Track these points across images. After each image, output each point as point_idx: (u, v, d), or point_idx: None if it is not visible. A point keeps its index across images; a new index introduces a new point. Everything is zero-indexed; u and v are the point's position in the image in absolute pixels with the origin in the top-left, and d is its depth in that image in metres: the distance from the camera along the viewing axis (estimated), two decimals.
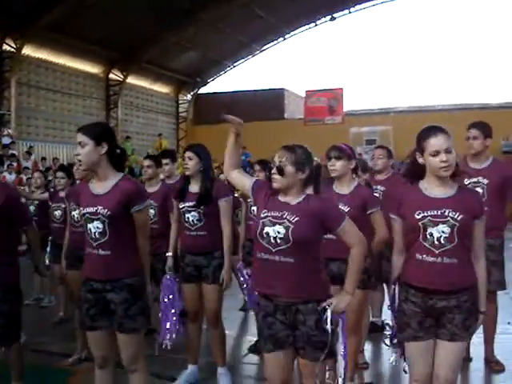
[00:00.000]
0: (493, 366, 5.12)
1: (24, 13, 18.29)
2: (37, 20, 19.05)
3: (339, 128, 25.80)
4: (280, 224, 3.17)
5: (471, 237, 3.25)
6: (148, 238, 3.70)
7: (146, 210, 3.78)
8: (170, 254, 5.06)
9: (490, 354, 5.18)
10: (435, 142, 3.20)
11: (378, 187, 5.80)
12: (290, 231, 3.14)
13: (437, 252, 3.18)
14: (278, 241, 3.16)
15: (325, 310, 3.17)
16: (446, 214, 3.17)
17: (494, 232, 4.85)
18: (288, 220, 3.17)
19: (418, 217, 3.22)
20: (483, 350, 5.21)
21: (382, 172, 6.00)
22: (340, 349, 3.22)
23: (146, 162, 6.24)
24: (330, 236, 3.80)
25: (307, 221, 3.17)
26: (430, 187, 3.28)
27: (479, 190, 4.84)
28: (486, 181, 4.95)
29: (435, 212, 3.19)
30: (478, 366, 5.18)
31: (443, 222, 3.17)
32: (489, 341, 5.17)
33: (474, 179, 4.97)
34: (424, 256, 3.21)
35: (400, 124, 23.11)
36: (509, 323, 6.23)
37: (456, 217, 3.16)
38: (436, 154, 3.19)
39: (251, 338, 5.80)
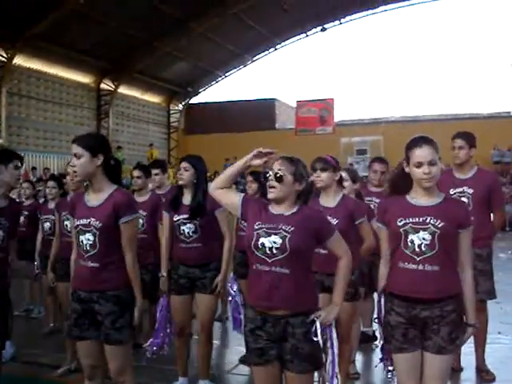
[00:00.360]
0: (484, 375, 5.12)
1: (15, 22, 18.30)
2: (28, 30, 19.08)
3: (330, 138, 25.91)
4: (276, 234, 3.17)
5: (455, 245, 3.25)
6: (135, 253, 3.62)
7: (134, 224, 3.68)
8: (164, 274, 4.90)
9: (481, 363, 5.18)
10: (419, 154, 3.22)
11: (373, 199, 5.77)
12: (287, 240, 3.14)
13: (418, 259, 3.19)
14: (274, 251, 3.15)
15: (313, 322, 3.16)
16: (428, 221, 3.19)
17: (481, 241, 4.87)
18: (284, 230, 3.16)
19: (400, 224, 3.25)
20: (474, 360, 5.21)
21: (378, 185, 5.98)
22: (330, 361, 3.21)
23: (136, 173, 6.21)
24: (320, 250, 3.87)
25: (302, 231, 3.18)
26: (416, 196, 3.31)
27: (464, 199, 4.88)
28: (471, 190, 4.98)
29: (417, 219, 3.22)
30: (468, 375, 5.18)
31: (424, 229, 3.19)
32: (480, 350, 5.17)
33: (459, 189, 5.00)
34: (406, 264, 3.23)
35: (391, 134, 23.22)
36: (499, 333, 6.24)
37: (437, 224, 3.17)
38: (419, 165, 3.22)
39: (242, 348, 5.78)
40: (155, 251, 6.03)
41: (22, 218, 7.39)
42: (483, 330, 5.08)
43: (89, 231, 3.55)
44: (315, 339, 3.12)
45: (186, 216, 4.74)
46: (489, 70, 54.08)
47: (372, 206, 5.46)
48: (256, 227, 3.23)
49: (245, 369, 5.39)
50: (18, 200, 8.01)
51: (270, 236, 3.17)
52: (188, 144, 28.40)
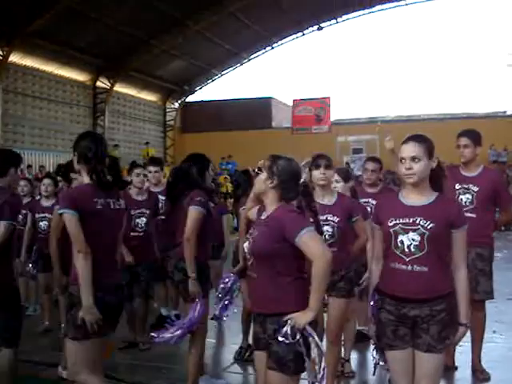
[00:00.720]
0: (478, 374, 5.11)
1: (11, 20, 18.22)
2: (24, 27, 19.00)
3: (326, 137, 25.90)
4: (248, 239, 3.28)
5: (446, 245, 3.23)
6: (79, 249, 3.50)
7: (67, 219, 3.53)
8: (194, 275, 4.51)
9: (477, 362, 5.17)
10: (404, 149, 3.24)
11: (370, 200, 5.75)
12: (251, 246, 3.22)
13: (407, 260, 3.19)
14: (248, 256, 3.27)
15: (286, 323, 3.09)
16: (417, 222, 3.18)
17: (483, 240, 4.89)
18: (252, 235, 3.25)
19: (390, 224, 3.25)
20: (468, 358, 5.21)
21: (373, 185, 5.96)
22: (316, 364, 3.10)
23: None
24: None
25: (266, 234, 3.17)
26: (408, 195, 3.30)
27: (468, 196, 4.91)
28: (476, 188, 4.98)
29: (407, 220, 3.21)
30: (463, 374, 5.19)
31: (413, 230, 3.18)
32: (476, 349, 5.16)
33: (465, 185, 5.00)
34: (396, 264, 3.23)
35: (387, 133, 23.19)
36: (494, 332, 6.25)
37: (426, 225, 3.16)
38: (403, 160, 3.22)
39: (237, 347, 5.78)
40: (153, 247, 6.12)
41: (20, 216, 7.41)
42: (481, 329, 5.09)
43: None
44: (280, 339, 3.06)
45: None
46: (485, 69, 54.23)
47: (368, 208, 5.46)
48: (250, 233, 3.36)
49: (240, 367, 5.40)
50: None
51: (247, 241, 3.28)
52: (184, 142, 28.35)
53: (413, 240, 3.18)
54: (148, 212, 6.10)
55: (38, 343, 6.31)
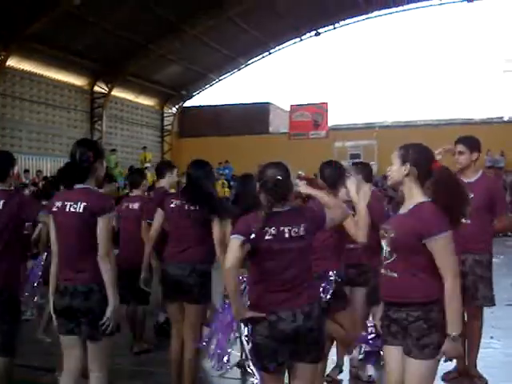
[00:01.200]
0: (476, 380, 5.11)
1: (8, 24, 18.21)
2: (22, 31, 18.98)
3: (323, 142, 25.92)
4: None
5: (418, 255, 3.19)
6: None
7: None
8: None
9: (472, 368, 5.16)
10: None
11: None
12: None
13: (384, 264, 3.32)
14: None
15: None
16: (389, 229, 3.32)
17: (481, 246, 4.89)
18: None
19: (381, 228, 3.41)
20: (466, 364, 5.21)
21: None
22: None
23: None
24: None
25: None
26: (405, 203, 3.41)
27: None
28: (471, 195, 4.98)
29: (387, 227, 3.36)
30: (459, 380, 5.17)
31: (384, 238, 3.34)
32: (472, 355, 5.15)
33: None
34: (380, 267, 3.38)
35: (384, 139, 23.24)
36: (491, 338, 6.25)
37: (390, 235, 3.28)
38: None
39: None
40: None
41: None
42: (477, 335, 5.09)
43: None
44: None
45: None
46: (482, 75, 54.40)
47: None
48: None
49: (236, 372, 5.38)
50: None
51: None
52: (181, 147, 28.36)
53: (386, 246, 3.32)
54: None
55: (37, 348, 6.28)
